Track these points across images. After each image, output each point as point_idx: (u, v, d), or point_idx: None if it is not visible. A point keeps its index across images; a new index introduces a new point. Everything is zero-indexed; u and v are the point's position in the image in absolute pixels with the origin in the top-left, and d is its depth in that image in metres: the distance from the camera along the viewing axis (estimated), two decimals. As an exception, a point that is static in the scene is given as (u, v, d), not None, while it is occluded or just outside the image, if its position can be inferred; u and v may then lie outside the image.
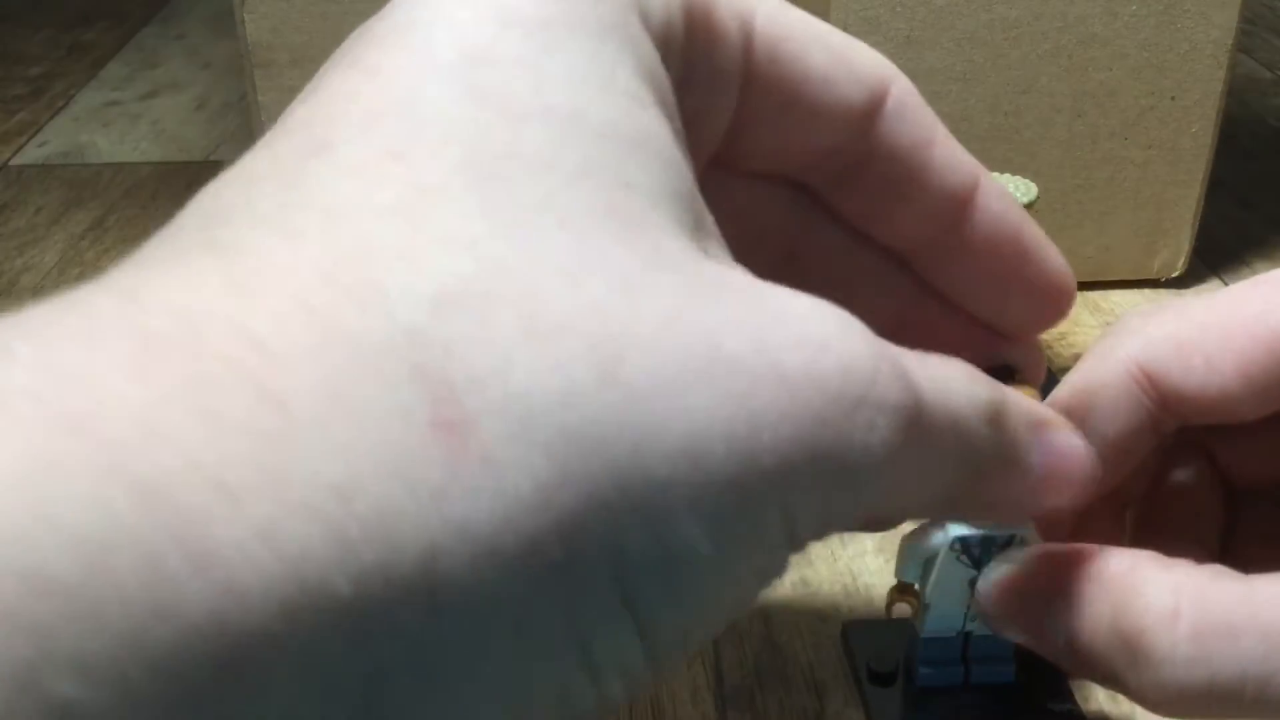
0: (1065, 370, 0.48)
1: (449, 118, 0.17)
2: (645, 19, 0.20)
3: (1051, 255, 0.28)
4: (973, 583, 0.29)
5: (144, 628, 0.13)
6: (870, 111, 0.25)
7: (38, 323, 0.15)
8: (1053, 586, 0.27)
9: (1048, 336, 0.50)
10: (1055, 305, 0.29)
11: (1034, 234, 0.28)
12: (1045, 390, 0.46)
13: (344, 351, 0.15)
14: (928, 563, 0.30)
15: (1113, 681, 0.26)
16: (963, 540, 0.29)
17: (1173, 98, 0.51)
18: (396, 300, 0.15)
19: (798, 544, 0.19)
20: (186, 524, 0.13)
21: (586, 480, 0.16)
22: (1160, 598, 0.25)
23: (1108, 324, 0.52)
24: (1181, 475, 0.32)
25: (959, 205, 0.27)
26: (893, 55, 0.52)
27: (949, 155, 0.26)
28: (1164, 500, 0.32)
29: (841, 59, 0.24)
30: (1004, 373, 0.31)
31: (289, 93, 0.45)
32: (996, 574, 0.29)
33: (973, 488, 0.23)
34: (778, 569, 0.19)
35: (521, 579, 0.15)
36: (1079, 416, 0.29)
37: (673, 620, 0.17)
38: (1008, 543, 0.29)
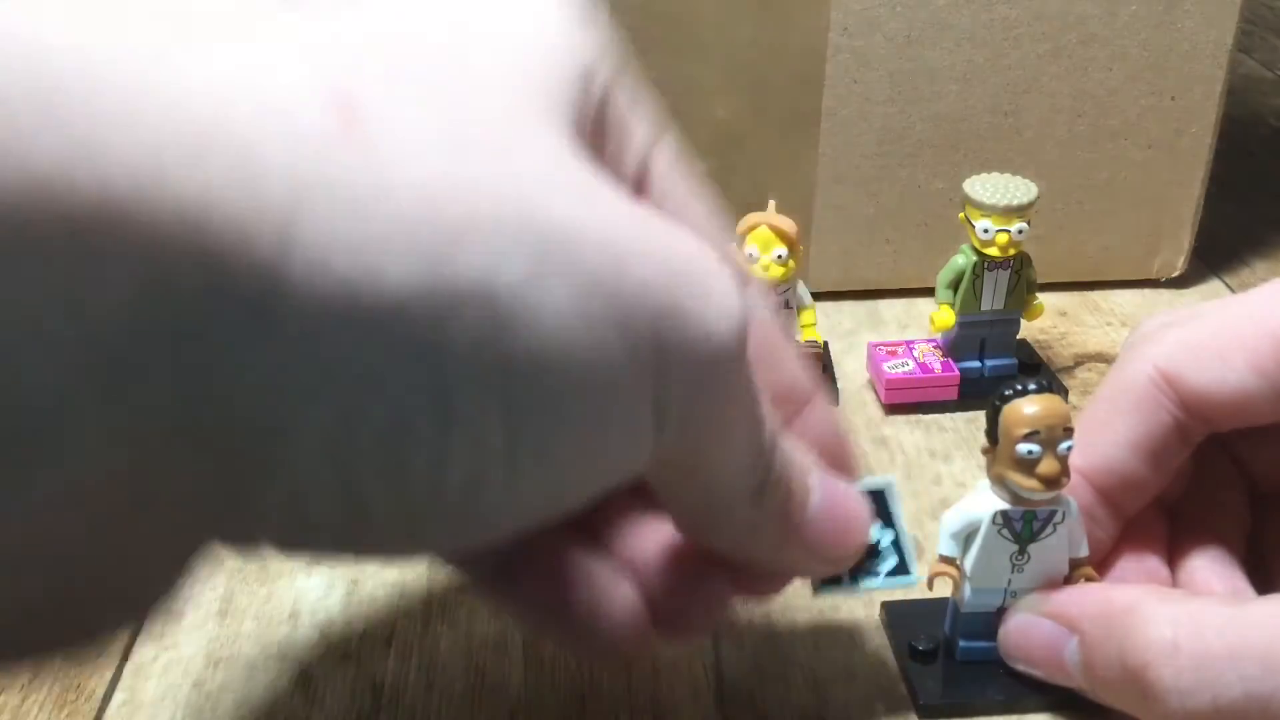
0: (1065, 370, 0.48)
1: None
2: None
3: None
4: (1013, 557, 0.30)
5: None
6: None
7: None
8: (1066, 628, 0.30)
9: (1048, 337, 0.50)
10: None
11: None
12: (1057, 388, 0.46)
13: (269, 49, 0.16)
14: (969, 538, 0.31)
15: (1131, 710, 0.28)
16: (1004, 514, 0.30)
17: (1173, 98, 0.51)
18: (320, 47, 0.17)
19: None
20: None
21: (473, 207, 0.16)
22: (1160, 632, 0.26)
23: (1108, 324, 0.52)
24: (1210, 481, 0.33)
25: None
26: (893, 55, 0.52)
27: None
28: (1195, 505, 0.33)
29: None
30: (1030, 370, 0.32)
31: (289, 93, 0.45)
32: (1016, 619, 0.31)
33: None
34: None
35: (390, 248, 0.15)
36: (1108, 423, 0.31)
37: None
38: (1049, 518, 0.30)
